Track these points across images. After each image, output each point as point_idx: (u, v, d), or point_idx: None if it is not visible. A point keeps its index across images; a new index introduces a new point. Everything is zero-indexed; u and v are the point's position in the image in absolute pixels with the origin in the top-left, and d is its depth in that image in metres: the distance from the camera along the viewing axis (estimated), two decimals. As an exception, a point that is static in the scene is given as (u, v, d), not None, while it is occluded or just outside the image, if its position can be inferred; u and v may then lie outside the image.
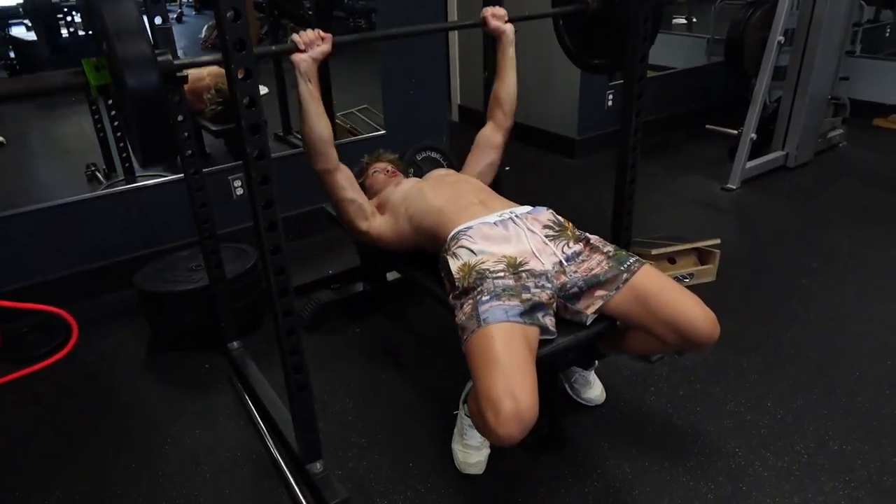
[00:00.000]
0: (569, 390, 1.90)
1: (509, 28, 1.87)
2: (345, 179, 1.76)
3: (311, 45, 1.56)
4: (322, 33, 1.57)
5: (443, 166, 3.20)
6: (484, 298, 1.40)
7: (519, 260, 1.51)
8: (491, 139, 1.98)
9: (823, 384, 1.97)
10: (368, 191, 2.03)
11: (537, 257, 1.53)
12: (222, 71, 1.29)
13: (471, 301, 1.43)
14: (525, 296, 1.41)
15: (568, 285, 1.52)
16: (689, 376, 2.02)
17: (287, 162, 2.91)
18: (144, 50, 1.19)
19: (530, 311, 1.40)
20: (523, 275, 1.47)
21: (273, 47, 1.58)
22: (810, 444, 1.75)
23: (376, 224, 1.83)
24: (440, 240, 1.64)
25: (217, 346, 2.21)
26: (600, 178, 3.56)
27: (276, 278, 1.33)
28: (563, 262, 1.54)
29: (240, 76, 1.17)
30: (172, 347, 2.26)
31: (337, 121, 3.47)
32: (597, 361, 1.87)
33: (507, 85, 1.93)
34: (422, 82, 3.13)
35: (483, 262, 1.49)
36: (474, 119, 4.40)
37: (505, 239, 1.55)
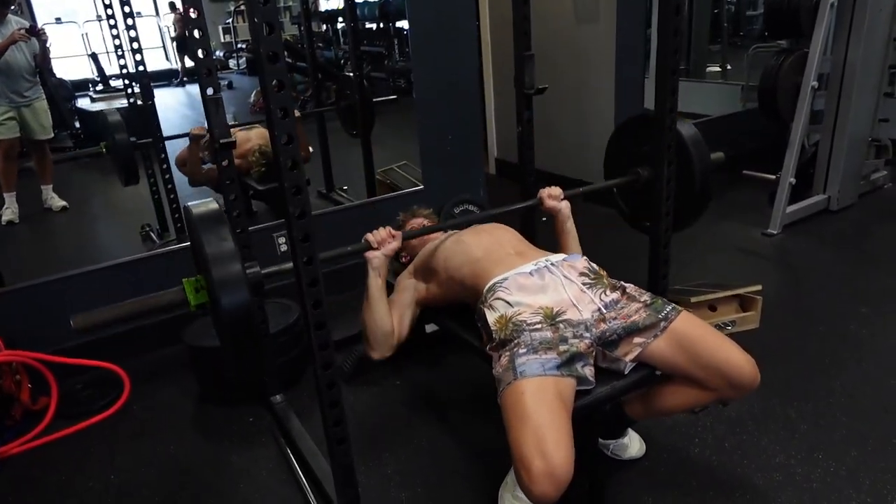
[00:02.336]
0: (608, 454, 1.86)
1: (565, 206, 1.86)
2: (403, 330, 1.75)
3: (384, 243, 1.64)
4: (392, 231, 1.66)
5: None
6: (521, 351, 1.40)
7: (556, 310, 1.51)
8: None
9: (878, 435, 1.88)
10: (407, 248, 2.05)
11: (575, 306, 1.52)
12: (266, 133, 1.35)
13: (508, 353, 1.43)
14: (562, 347, 1.41)
15: (607, 333, 1.51)
16: (734, 427, 1.96)
17: (329, 218, 2.98)
18: (237, 271, 1.24)
19: (568, 362, 1.39)
20: (561, 325, 1.47)
21: (349, 248, 1.63)
22: (867, 499, 1.66)
23: (423, 294, 1.83)
24: (477, 291, 1.65)
25: (261, 399, 2.24)
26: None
27: (316, 332, 1.36)
28: (602, 309, 1.54)
29: (283, 141, 1.23)
30: (219, 402, 2.29)
31: (377, 177, 3.56)
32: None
33: (571, 251, 1.89)
34: (458, 137, 3.20)
35: (520, 314, 1.50)
36: (511, 172, 4.42)
37: (541, 289, 1.56)
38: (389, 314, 1.70)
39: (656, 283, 1.93)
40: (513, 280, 1.58)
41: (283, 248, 2.94)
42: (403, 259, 2.07)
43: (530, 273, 1.60)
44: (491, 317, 1.54)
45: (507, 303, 1.53)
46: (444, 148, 3.19)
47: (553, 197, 1.88)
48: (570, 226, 1.88)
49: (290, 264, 1.34)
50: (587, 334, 1.47)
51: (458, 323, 1.77)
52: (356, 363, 2.36)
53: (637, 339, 1.50)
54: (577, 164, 4.05)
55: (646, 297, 1.58)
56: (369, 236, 1.65)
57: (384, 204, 3.11)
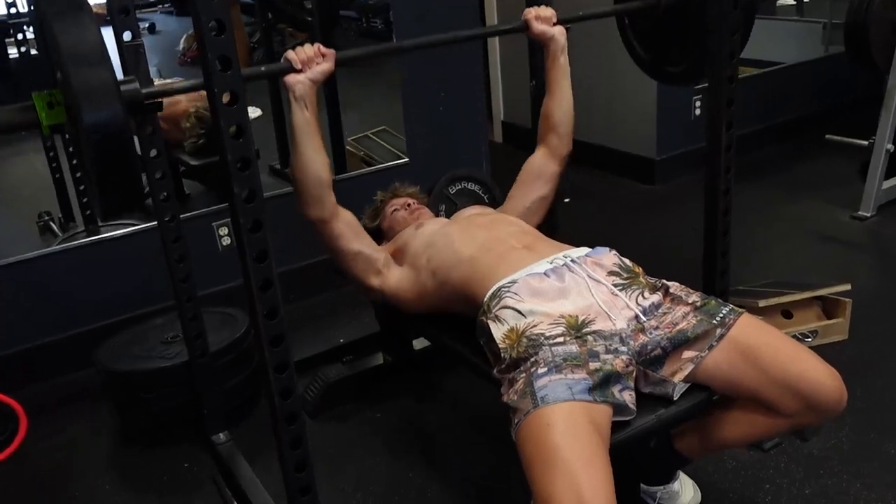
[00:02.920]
0: None
1: (559, 32, 1.90)
2: (345, 226, 1.83)
3: (309, 63, 1.60)
4: (322, 49, 1.61)
5: (483, 201, 3.25)
6: (540, 371, 1.41)
7: (582, 319, 1.52)
8: (542, 169, 2.03)
9: None
10: (389, 235, 2.09)
11: (606, 313, 1.54)
12: (203, 93, 1.36)
13: (523, 375, 1.44)
14: (593, 365, 1.42)
15: (648, 347, 1.52)
16: (817, 468, 1.97)
17: (287, 202, 2.97)
18: (105, 78, 1.26)
19: (602, 384, 1.40)
20: (589, 338, 1.48)
21: (263, 68, 1.67)
22: None
23: (392, 280, 1.87)
24: (475, 300, 1.65)
25: (199, 437, 2.24)
26: (689, 209, 3.55)
27: (272, 350, 1.36)
28: (641, 316, 1.55)
29: (225, 101, 1.23)
30: (144, 440, 2.30)
31: (348, 147, 3.56)
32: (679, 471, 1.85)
33: (561, 101, 1.98)
34: (454, 95, 3.21)
35: (535, 326, 1.51)
36: (522, 138, 4.44)
37: (561, 293, 1.57)
38: (325, 159, 1.72)
39: (712, 280, 1.94)
40: (523, 283, 1.59)
41: (227, 240, 2.94)
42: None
43: (545, 273, 1.60)
44: (497, 331, 1.54)
45: (518, 312, 1.54)
46: (434, 109, 3.19)
47: (543, 19, 1.89)
48: (563, 60, 1.93)
49: (183, 81, 1.40)
50: (623, 348, 1.48)
51: (454, 336, 1.78)
52: (324, 390, 2.37)
53: (687, 354, 1.51)
54: (609, 129, 4.09)
55: (695, 297, 1.59)
56: (291, 54, 1.59)
57: (357, 182, 3.12)
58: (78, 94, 1.24)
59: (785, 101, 4.38)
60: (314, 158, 1.71)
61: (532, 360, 1.45)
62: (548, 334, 1.48)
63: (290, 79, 1.61)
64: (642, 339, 1.52)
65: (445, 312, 1.82)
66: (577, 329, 1.50)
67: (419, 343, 2.50)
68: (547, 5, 1.96)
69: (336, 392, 2.39)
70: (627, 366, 1.47)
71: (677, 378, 1.50)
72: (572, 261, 1.64)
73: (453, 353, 1.78)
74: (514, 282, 1.60)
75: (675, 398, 1.51)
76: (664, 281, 1.65)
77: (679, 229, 3.33)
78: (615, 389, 1.42)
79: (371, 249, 1.88)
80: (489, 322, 1.57)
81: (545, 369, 1.41)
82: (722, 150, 1.83)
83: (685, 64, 2.07)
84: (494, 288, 1.61)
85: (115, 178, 1.31)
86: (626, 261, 1.69)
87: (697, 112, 3.95)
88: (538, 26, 1.90)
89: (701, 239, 1.93)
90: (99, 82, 1.26)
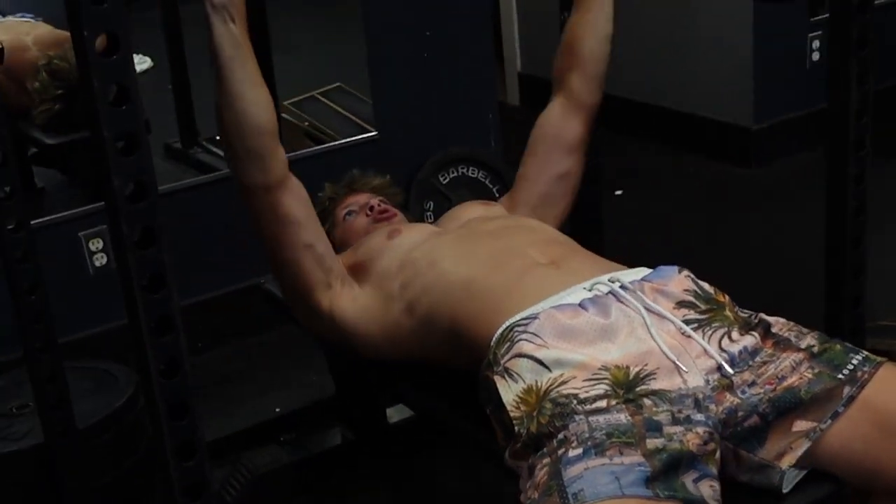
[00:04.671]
0: None
1: None
2: (295, 202, 1.84)
3: None
4: None
5: (492, 194, 3.27)
6: (572, 454, 1.41)
7: (635, 372, 1.52)
8: (561, 129, 2.07)
9: None
10: (340, 248, 2.08)
11: (673, 363, 1.54)
12: (60, 35, 1.36)
13: (548, 460, 1.44)
14: (653, 442, 1.43)
15: (740, 413, 1.52)
16: None
17: (193, 199, 3.03)
18: None
19: (666, 472, 1.40)
20: (646, 401, 1.48)
21: None
22: None
23: (345, 303, 1.88)
24: (475, 345, 1.66)
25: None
26: (803, 203, 3.55)
27: (172, 426, 1.37)
28: (727, 366, 1.55)
29: (99, 47, 1.24)
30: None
31: (284, 115, 3.58)
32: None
33: (596, 20, 2.00)
34: (445, 34, 3.23)
35: (564, 384, 1.50)
36: (548, 99, 4.48)
37: (604, 333, 1.57)
38: (265, 93, 1.74)
39: (838, 313, 1.96)
40: (547, 318, 1.58)
41: (101, 259, 2.95)
42: None
43: (580, 305, 1.61)
44: (508, 392, 1.54)
45: (539, 363, 1.53)
46: (416, 57, 3.22)
47: None
48: None
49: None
50: (700, 417, 1.49)
51: (445, 399, 1.80)
52: (252, 486, 2.38)
53: (800, 425, 1.51)
54: (683, 86, 4.12)
55: (810, 340, 1.60)
56: None
57: (298, 168, 3.10)
58: None
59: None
60: (250, 95, 1.72)
61: (560, 436, 1.45)
62: (583, 396, 1.48)
63: None
64: (730, 401, 1.52)
65: (431, 363, 1.83)
66: (627, 387, 1.50)
67: (396, 412, 2.52)
68: None
69: (269, 487, 2.39)
70: (706, 443, 1.47)
71: (786, 462, 1.50)
72: (622, 286, 1.65)
73: (445, 426, 1.79)
74: (533, 317, 1.59)
75: (784, 491, 1.51)
76: (762, 315, 1.65)
77: (788, 235, 3.34)
78: (688, 479, 1.42)
79: (325, 247, 1.89)
80: (496, 378, 1.57)
81: (579, 451, 1.41)
82: (851, 115, 1.85)
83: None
84: (504, 327, 1.61)
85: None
86: (705, 285, 1.69)
87: (816, 57, 3.98)
88: None
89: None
90: None
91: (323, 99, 3.62)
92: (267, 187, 1.80)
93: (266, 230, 1.85)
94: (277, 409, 2.65)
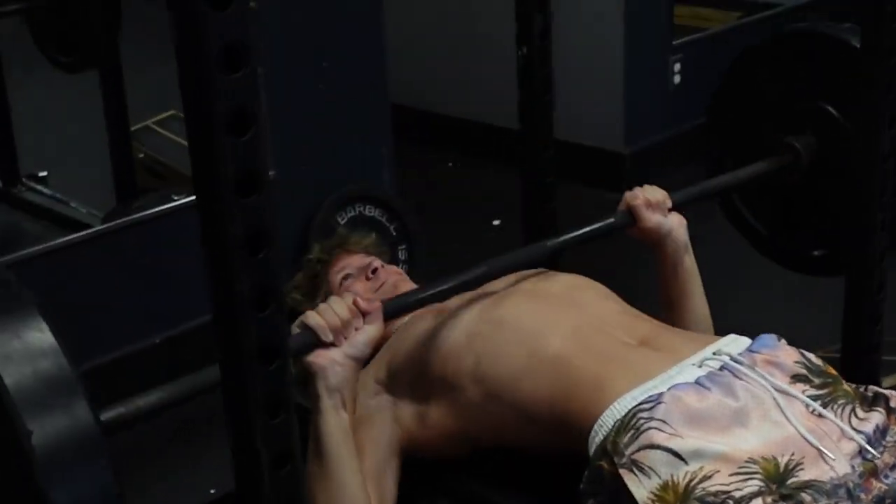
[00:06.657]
0: None
1: (678, 222, 1.99)
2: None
3: (346, 329, 1.59)
4: (362, 303, 1.62)
5: (388, 232, 3.20)
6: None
7: (784, 462, 1.48)
8: None
9: None
10: None
11: (817, 450, 1.50)
12: None
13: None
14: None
15: (887, 502, 1.50)
16: None
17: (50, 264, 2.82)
18: None
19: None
20: (805, 496, 1.44)
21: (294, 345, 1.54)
22: None
23: (416, 437, 1.80)
24: (573, 427, 1.59)
25: None
26: (699, 234, 3.64)
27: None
28: (868, 447, 1.52)
29: None
30: None
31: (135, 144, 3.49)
32: None
33: (696, 320, 2.01)
34: (339, 65, 3.20)
35: (708, 477, 1.45)
36: (420, 126, 4.45)
37: (736, 417, 1.53)
38: (364, 489, 1.66)
39: (856, 360, 2.07)
40: (673, 401, 1.52)
41: None
42: None
43: (700, 384, 1.56)
44: (640, 488, 1.46)
45: (676, 455, 1.47)
46: (308, 84, 3.16)
47: (655, 206, 1.96)
48: (690, 262, 2.00)
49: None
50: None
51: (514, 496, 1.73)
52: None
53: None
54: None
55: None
56: (313, 318, 1.58)
57: (184, 215, 2.98)
58: None
59: None
60: (350, 485, 1.66)
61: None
62: (737, 495, 1.43)
63: (319, 359, 1.59)
64: (877, 488, 1.50)
65: (497, 446, 1.76)
66: (780, 481, 1.45)
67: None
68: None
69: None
70: (865, 537, 1.49)
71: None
72: (732, 359, 1.61)
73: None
74: (656, 400, 1.54)
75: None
76: (874, 387, 1.64)
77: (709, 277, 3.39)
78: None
79: (393, 457, 1.80)
80: (623, 472, 1.50)
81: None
82: (880, 159, 1.90)
83: (827, 245, 2.28)
84: (626, 411, 1.54)
85: None
86: (811, 356, 1.66)
87: (677, 80, 4.16)
88: (651, 217, 1.95)
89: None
90: None
91: (158, 128, 3.52)
92: None
93: None
94: (212, 490, 2.60)
